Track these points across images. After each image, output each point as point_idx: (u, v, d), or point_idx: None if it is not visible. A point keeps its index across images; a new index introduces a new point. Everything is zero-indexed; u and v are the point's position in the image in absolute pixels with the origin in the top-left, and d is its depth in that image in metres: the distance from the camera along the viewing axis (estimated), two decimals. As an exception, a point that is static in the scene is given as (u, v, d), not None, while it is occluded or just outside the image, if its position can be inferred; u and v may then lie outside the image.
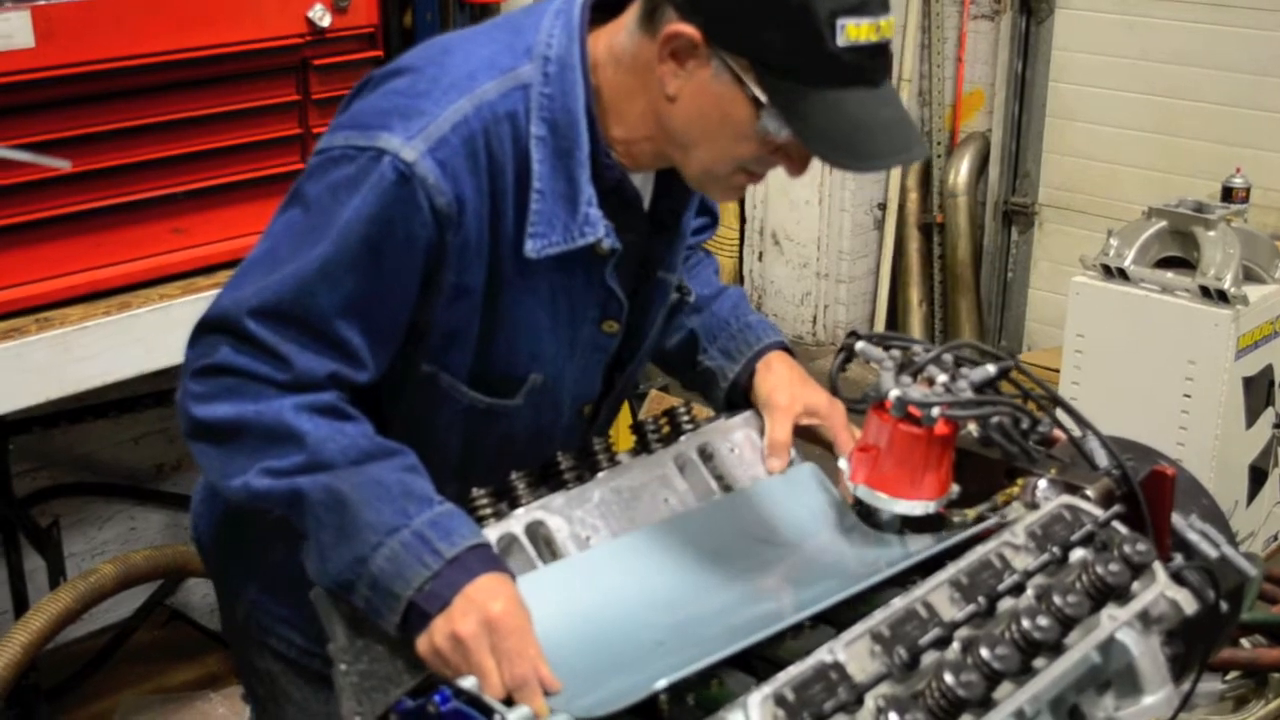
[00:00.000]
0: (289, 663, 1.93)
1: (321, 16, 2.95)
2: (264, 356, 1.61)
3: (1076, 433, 1.82)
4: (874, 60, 1.58)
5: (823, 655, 1.36)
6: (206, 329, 1.66)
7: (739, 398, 1.97)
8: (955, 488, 1.80)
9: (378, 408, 1.73)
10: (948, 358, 1.80)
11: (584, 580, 1.65)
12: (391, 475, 1.59)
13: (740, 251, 6.42)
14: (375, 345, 1.66)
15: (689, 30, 1.57)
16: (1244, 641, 2.57)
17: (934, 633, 1.41)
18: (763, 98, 1.57)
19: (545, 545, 1.68)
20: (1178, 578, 1.64)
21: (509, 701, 1.41)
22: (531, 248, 1.67)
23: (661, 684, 1.36)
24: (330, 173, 1.63)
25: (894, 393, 1.74)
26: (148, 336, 2.84)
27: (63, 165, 1.35)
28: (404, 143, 1.59)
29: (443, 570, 1.51)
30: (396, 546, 1.52)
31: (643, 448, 1.85)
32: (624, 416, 4.04)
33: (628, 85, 1.67)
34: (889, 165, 1.67)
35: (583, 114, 1.66)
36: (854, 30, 1.53)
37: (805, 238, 6.18)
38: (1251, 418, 4.36)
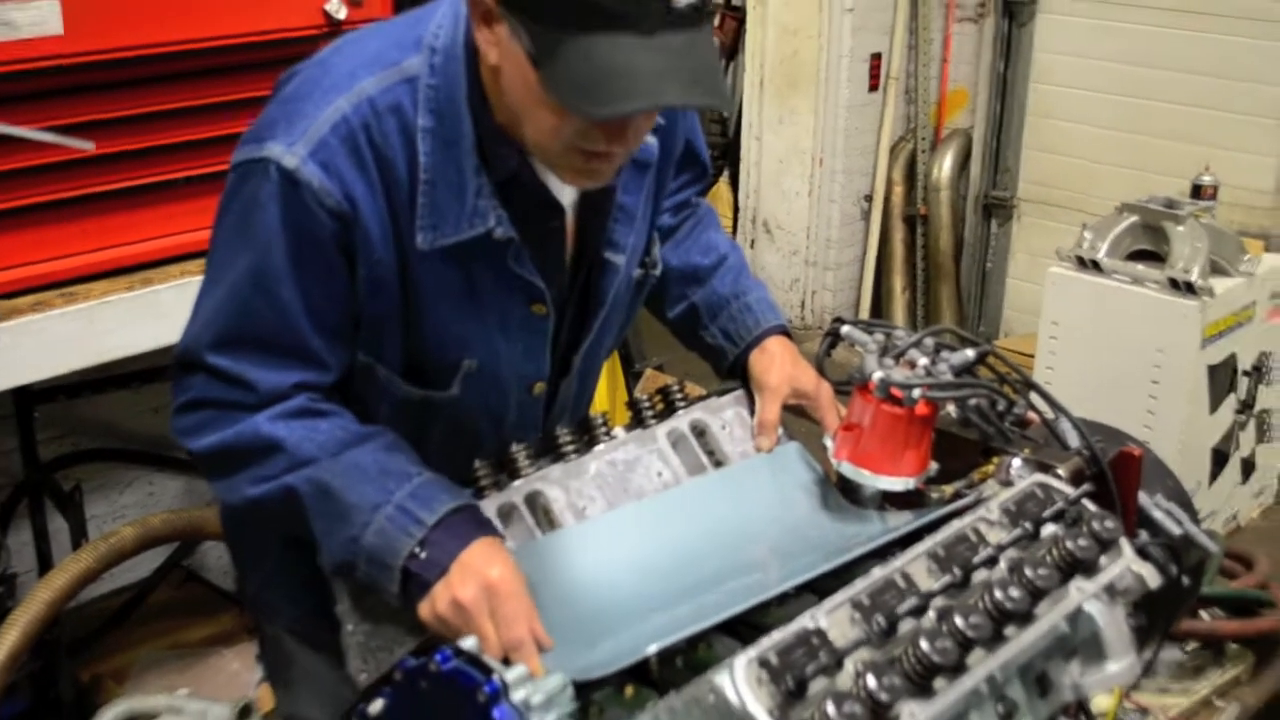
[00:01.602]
0: (292, 631, 1.94)
1: (337, 9, 2.94)
2: (230, 385, 1.61)
3: (1049, 415, 1.82)
4: (639, 6, 1.39)
5: (805, 621, 1.36)
6: (180, 367, 1.67)
7: (738, 373, 1.97)
8: (934, 465, 1.80)
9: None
10: (928, 342, 1.80)
11: (580, 550, 1.66)
12: (368, 458, 1.59)
13: (734, 239, 6.41)
14: (331, 343, 1.64)
15: None
16: (1203, 614, 2.57)
17: (911, 602, 1.42)
18: (531, 49, 1.44)
19: (544, 514, 1.69)
20: (1143, 553, 1.65)
21: (506, 662, 1.42)
22: (422, 240, 1.61)
23: (652, 649, 1.36)
24: (239, 191, 1.61)
25: (877, 375, 1.74)
26: (168, 311, 2.83)
27: (86, 146, 1.35)
28: (285, 150, 1.56)
29: (429, 537, 1.51)
30: (382, 522, 1.53)
31: (638, 423, 1.85)
32: (620, 394, 4.05)
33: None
34: (629, 113, 1.49)
35: (464, 103, 1.59)
36: None
37: (795, 226, 6.17)
38: (1215, 403, 4.38)
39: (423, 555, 1.50)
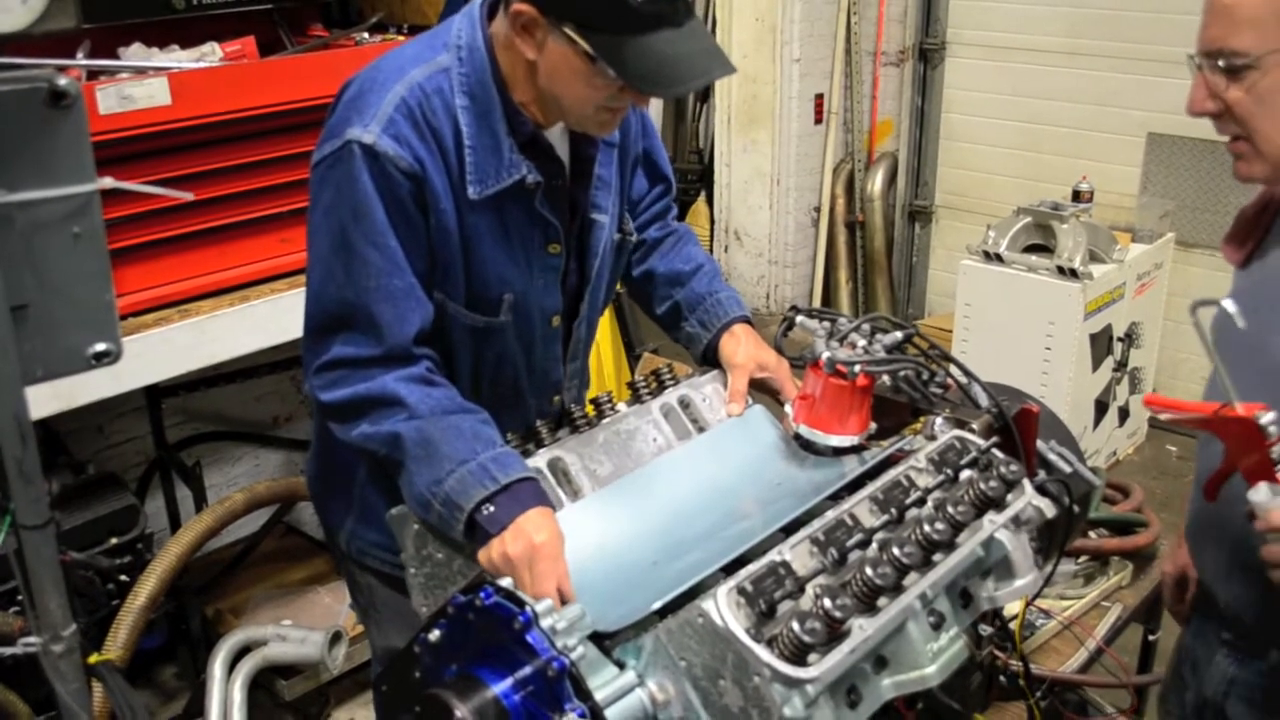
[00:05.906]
0: (380, 576, 1.91)
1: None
2: (363, 338, 1.59)
3: (964, 381, 1.80)
4: (671, 5, 1.49)
5: (773, 555, 1.35)
6: (316, 334, 1.65)
7: (712, 355, 1.95)
8: (873, 425, 1.78)
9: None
10: (866, 327, 1.79)
11: (601, 517, 1.63)
12: (467, 424, 1.58)
13: (711, 245, 6.38)
14: (424, 279, 1.65)
15: (526, 8, 1.53)
16: (1091, 534, 2.56)
17: (858, 537, 1.40)
18: (591, 52, 1.50)
19: (563, 476, 1.67)
20: (1041, 490, 1.63)
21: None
22: (473, 191, 1.63)
23: (657, 605, 1.34)
24: (328, 178, 1.61)
25: (826, 354, 1.72)
26: (263, 322, 2.82)
27: (186, 196, 1.33)
28: (363, 130, 1.57)
29: (497, 495, 1.49)
30: (464, 473, 1.51)
31: (636, 399, 1.83)
32: (625, 375, 4.03)
33: (510, 59, 1.62)
34: (694, 89, 1.66)
35: (492, 83, 1.63)
36: None
37: (759, 234, 6.14)
38: (1096, 364, 4.37)
39: (489, 510, 1.49)
